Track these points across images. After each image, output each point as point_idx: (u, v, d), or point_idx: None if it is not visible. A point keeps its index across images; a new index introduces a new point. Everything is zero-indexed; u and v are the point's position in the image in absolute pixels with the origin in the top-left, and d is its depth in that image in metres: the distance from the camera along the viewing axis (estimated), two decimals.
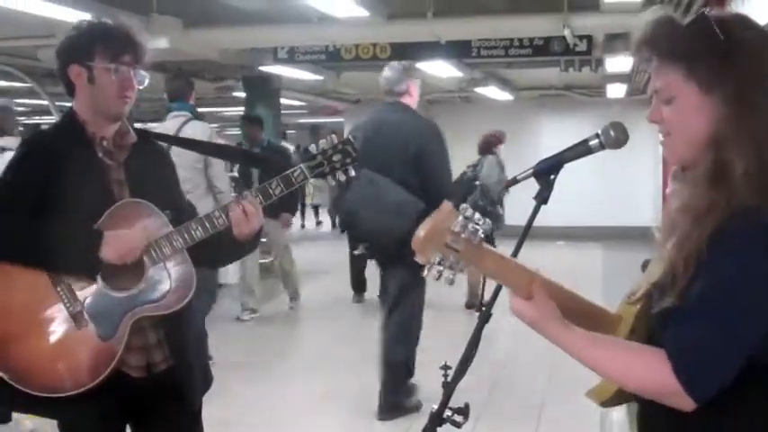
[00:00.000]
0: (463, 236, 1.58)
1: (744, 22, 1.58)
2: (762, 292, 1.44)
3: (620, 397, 1.67)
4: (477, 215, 1.60)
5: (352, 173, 2.59)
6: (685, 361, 1.45)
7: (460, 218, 1.59)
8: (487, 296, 1.80)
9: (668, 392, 1.47)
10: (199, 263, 2.54)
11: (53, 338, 2.43)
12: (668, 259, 1.54)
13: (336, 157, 2.55)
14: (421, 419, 1.81)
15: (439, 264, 1.60)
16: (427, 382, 5.19)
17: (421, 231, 1.60)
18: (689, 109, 1.55)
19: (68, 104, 2.61)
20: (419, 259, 1.62)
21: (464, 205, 1.60)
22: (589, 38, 8.69)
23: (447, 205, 1.62)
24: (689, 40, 1.53)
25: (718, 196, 1.48)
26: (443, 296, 8.96)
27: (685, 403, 1.46)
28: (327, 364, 6.84)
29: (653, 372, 1.48)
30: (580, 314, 1.68)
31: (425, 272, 1.62)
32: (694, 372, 1.45)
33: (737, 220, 1.45)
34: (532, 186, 1.77)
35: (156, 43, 6.87)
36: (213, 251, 2.60)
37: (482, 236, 1.59)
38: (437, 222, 1.60)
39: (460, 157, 15.20)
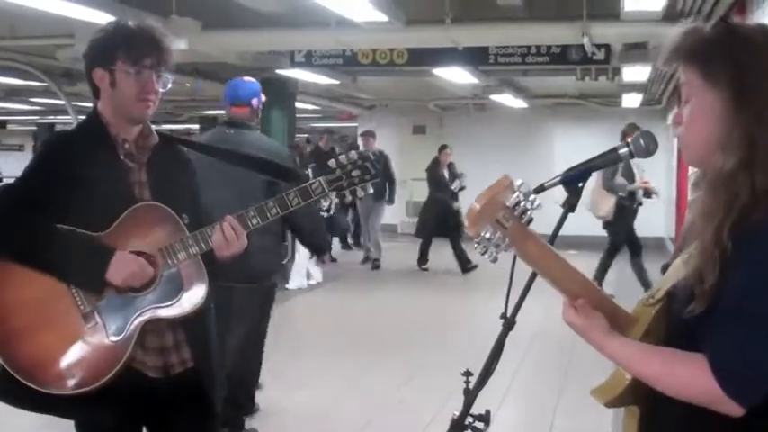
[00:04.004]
0: (515, 213, 1.56)
1: (762, 29, 1.61)
2: None
3: (624, 398, 1.68)
4: (532, 195, 1.58)
5: (370, 189, 2.60)
6: (728, 368, 1.45)
7: (516, 194, 1.56)
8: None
9: (715, 400, 1.46)
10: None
11: (63, 336, 2.43)
12: (692, 264, 1.55)
13: (355, 173, 2.57)
14: (442, 425, 1.81)
15: (488, 239, 1.57)
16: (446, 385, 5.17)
17: (477, 204, 1.57)
18: (701, 108, 1.59)
19: (84, 104, 2.61)
20: (469, 231, 1.59)
21: (520, 181, 1.57)
22: (607, 47, 8.67)
23: (506, 178, 1.59)
24: (706, 43, 1.58)
25: (729, 195, 1.51)
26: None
27: (734, 409, 1.46)
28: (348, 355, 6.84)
29: (699, 381, 1.48)
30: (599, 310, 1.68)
31: (474, 245, 1.59)
32: (738, 379, 1.45)
33: (759, 212, 1.47)
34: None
35: (175, 45, 6.86)
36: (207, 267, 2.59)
37: (531, 217, 1.57)
38: (494, 194, 1.56)
39: (474, 163, 15.26)
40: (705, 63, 1.57)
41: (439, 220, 12.05)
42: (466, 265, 11.94)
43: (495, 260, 1.59)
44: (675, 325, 1.60)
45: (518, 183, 1.58)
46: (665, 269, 1.75)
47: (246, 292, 4.70)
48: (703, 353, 1.48)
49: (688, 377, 1.50)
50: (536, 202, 1.58)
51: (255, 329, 4.98)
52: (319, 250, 5.87)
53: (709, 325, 1.48)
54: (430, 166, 12.56)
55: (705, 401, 1.49)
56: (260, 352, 5.13)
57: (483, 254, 1.58)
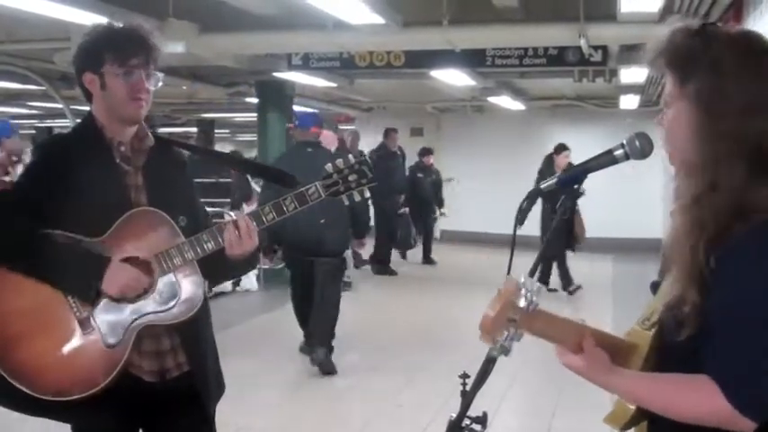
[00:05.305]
0: (522, 307, 1.55)
1: (745, 38, 1.58)
2: None
3: (636, 420, 1.67)
4: (537, 285, 1.56)
5: (368, 194, 2.59)
6: (734, 385, 1.44)
7: (524, 292, 1.55)
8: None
9: (726, 418, 1.45)
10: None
11: (59, 342, 2.42)
12: (676, 288, 1.54)
13: (352, 177, 2.56)
14: (440, 428, 1.80)
15: (504, 338, 1.57)
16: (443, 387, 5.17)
17: (490, 311, 1.55)
18: (677, 115, 1.58)
19: (82, 108, 2.60)
20: (485, 340, 1.57)
21: (523, 278, 1.56)
22: (604, 48, 8.66)
23: (511, 281, 1.57)
24: (685, 50, 1.56)
25: (700, 216, 1.50)
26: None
27: (746, 425, 1.45)
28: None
29: (708, 402, 1.46)
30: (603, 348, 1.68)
31: (493, 352, 1.59)
32: (746, 394, 1.44)
33: (734, 228, 1.46)
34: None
35: (173, 48, 6.88)
36: (216, 266, 2.59)
37: (536, 303, 1.56)
38: (506, 300, 1.55)
39: (473, 165, 15.21)
40: (681, 71, 1.56)
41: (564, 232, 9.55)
42: (569, 285, 10.09)
43: (508, 353, 1.59)
44: (669, 348, 1.58)
45: (522, 280, 1.56)
46: (654, 288, 1.74)
47: (323, 264, 6.64)
48: (705, 373, 1.47)
49: (696, 400, 1.49)
50: (541, 290, 1.57)
51: (330, 289, 6.78)
52: (359, 234, 7.43)
53: (705, 345, 1.47)
54: (543, 169, 10.45)
55: (716, 422, 1.48)
56: (336, 303, 6.90)
57: (501, 354, 1.58)
